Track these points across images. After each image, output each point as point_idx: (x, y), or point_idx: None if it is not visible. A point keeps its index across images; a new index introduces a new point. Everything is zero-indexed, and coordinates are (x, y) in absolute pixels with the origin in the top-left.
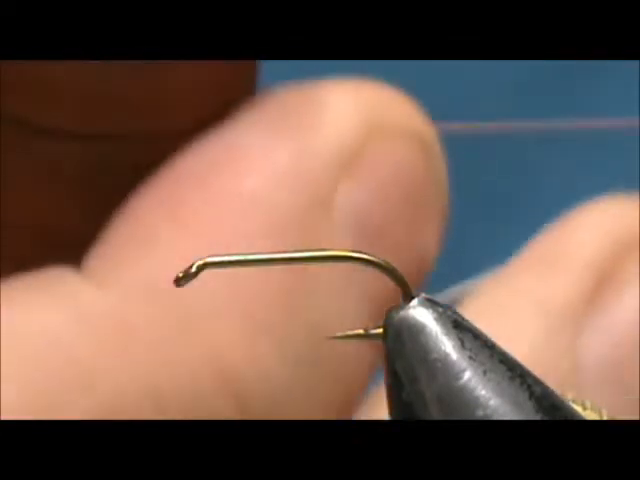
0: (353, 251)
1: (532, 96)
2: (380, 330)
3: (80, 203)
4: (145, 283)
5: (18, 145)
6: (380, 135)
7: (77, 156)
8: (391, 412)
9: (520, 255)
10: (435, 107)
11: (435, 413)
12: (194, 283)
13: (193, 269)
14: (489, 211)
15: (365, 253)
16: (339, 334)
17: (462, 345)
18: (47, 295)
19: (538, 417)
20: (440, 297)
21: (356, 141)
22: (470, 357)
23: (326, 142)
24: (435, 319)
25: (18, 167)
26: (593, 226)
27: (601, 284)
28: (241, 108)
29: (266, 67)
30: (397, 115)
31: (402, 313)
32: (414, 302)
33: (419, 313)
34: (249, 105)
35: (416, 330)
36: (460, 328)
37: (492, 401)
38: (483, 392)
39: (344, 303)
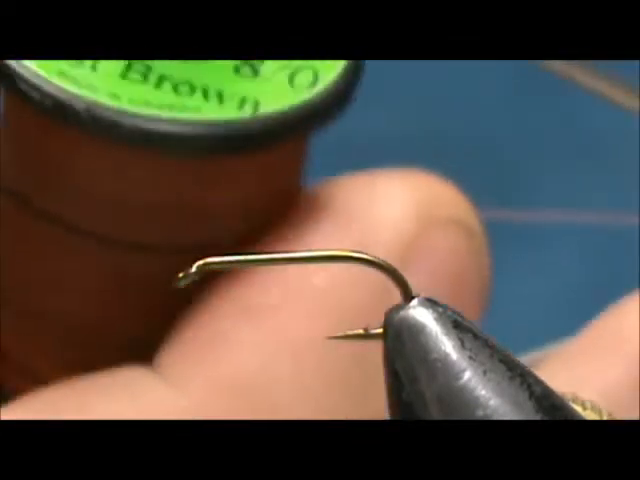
0: (353, 251)
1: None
2: (380, 330)
3: (145, 307)
4: (223, 381)
5: (83, 252)
6: (432, 225)
7: (142, 264)
8: (391, 412)
9: (578, 338)
10: None
11: (435, 413)
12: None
13: (193, 269)
14: None
15: (365, 253)
16: (339, 334)
17: (462, 345)
18: (126, 394)
19: (538, 417)
20: None
21: (412, 233)
22: (470, 357)
23: (385, 236)
24: (435, 319)
25: (84, 273)
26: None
27: None
28: (298, 204)
29: None
30: (446, 205)
31: (402, 313)
32: (414, 302)
33: (419, 313)
34: (306, 201)
35: (416, 330)
36: (460, 328)
37: (492, 401)
38: (483, 392)
39: None
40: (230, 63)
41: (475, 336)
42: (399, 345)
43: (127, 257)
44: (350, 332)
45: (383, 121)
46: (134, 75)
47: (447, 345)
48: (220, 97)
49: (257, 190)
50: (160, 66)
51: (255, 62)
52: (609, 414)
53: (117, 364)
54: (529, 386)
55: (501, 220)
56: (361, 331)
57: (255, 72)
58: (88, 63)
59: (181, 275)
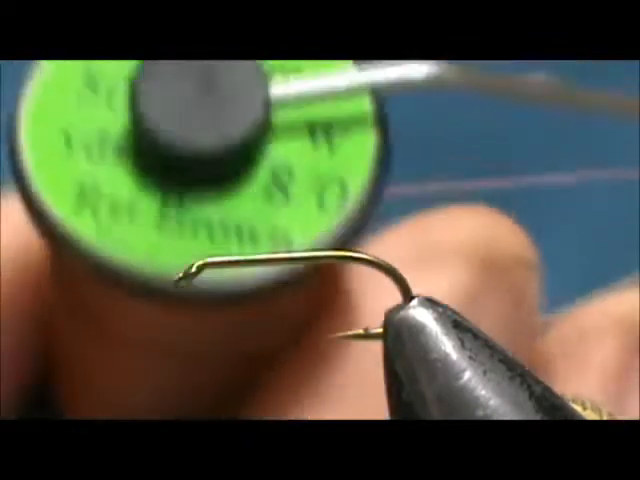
0: (353, 251)
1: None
2: (380, 330)
3: (215, 395)
4: None
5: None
6: (492, 265)
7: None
8: (391, 412)
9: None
10: None
11: (435, 413)
12: None
13: (193, 269)
14: None
15: (365, 253)
16: (339, 334)
17: (462, 345)
18: None
19: (538, 417)
20: None
21: (470, 278)
22: (470, 357)
23: (449, 284)
24: (435, 319)
25: (152, 376)
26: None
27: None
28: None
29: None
30: (506, 242)
31: (402, 313)
32: (414, 302)
33: (419, 313)
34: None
35: (416, 330)
36: (460, 328)
37: (492, 401)
38: (483, 392)
39: None
40: (260, 189)
41: (475, 336)
42: (399, 345)
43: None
44: (350, 332)
45: None
46: (169, 224)
47: (447, 345)
48: (253, 237)
49: (301, 313)
50: (194, 207)
51: (284, 181)
52: (609, 414)
53: None
54: (529, 386)
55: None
56: (361, 331)
57: (285, 195)
58: (124, 212)
59: (181, 275)
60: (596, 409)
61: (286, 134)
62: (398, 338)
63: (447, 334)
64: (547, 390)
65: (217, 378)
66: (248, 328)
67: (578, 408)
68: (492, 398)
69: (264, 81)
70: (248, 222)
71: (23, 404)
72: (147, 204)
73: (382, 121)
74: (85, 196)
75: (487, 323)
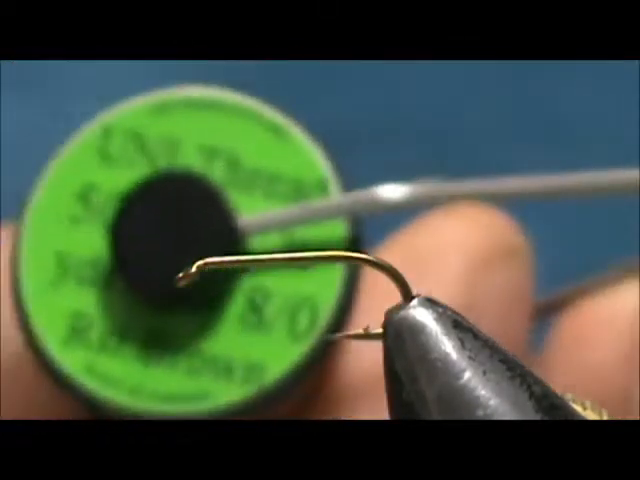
0: (353, 251)
1: None
2: (380, 330)
3: None
4: None
5: None
6: (485, 264)
7: None
8: (391, 412)
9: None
10: None
11: (435, 413)
12: None
13: (193, 269)
14: None
15: (365, 253)
16: (339, 334)
17: (462, 345)
18: None
19: (538, 417)
20: None
21: (465, 282)
22: (470, 357)
23: (438, 295)
24: (435, 319)
25: None
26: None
27: None
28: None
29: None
30: (497, 238)
31: (402, 313)
32: (414, 302)
33: (419, 313)
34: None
35: (416, 330)
36: (460, 328)
37: (492, 401)
38: (483, 392)
39: None
40: (237, 316)
41: (475, 336)
42: (399, 345)
43: None
44: (350, 332)
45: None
46: (151, 357)
47: (447, 345)
48: (228, 369)
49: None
50: (174, 340)
51: (259, 306)
52: (609, 414)
53: None
54: (529, 386)
55: None
56: (361, 331)
57: (260, 321)
58: (111, 345)
59: (181, 275)
60: (596, 409)
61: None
62: (398, 338)
63: (447, 334)
64: (547, 390)
65: None
66: None
67: (578, 408)
68: (492, 398)
69: (231, 212)
70: (224, 352)
71: None
72: (132, 337)
73: (355, 244)
74: (76, 328)
75: (486, 321)
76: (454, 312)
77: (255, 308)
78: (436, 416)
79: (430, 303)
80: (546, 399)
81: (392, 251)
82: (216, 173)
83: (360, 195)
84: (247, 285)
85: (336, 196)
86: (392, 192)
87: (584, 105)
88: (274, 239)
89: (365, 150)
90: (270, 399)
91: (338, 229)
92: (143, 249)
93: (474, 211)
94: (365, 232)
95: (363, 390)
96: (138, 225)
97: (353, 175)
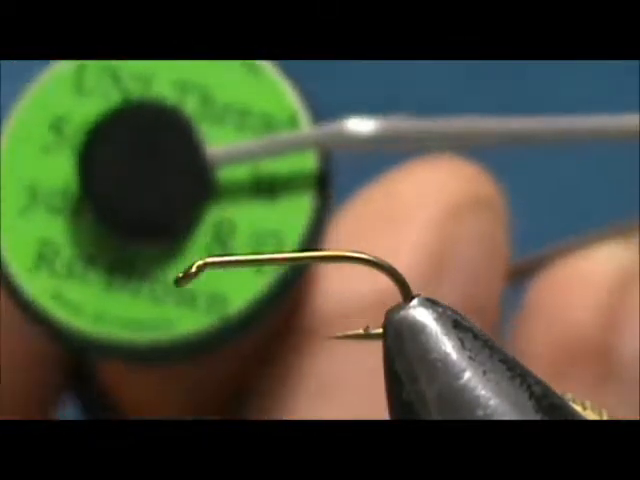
0: (353, 251)
1: None
2: (380, 330)
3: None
4: None
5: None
6: (456, 213)
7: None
8: (391, 412)
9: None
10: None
11: (435, 413)
12: None
13: (193, 269)
14: None
15: (365, 253)
16: (339, 334)
17: (462, 345)
18: None
19: (538, 417)
20: None
21: (436, 230)
22: (470, 357)
23: (409, 242)
24: (435, 319)
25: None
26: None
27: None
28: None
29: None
30: (468, 188)
31: (402, 313)
32: (414, 302)
33: (419, 313)
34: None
35: (416, 330)
36: (460, 328)
37: (492, 401)
38: (483, 392)
39: None
40: (202, 247)
41: (475, 336)
42: (399, 345)
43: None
44: (350, 332)
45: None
46: (116, 284)
47: (447, 345)
48: (192, 298)
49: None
50: (139, 267)
51: (225, 238)
52: (609, 414)
53: None
54: (529, 386)
55: None
56: (361, 331)
57: (224, 250)
58: (77, 274)
59: (181, 275)
60: (596, 409)
61: (230, 191)
62: (398, 338)
63: (447, 334)
64: (547, 390)
65: (211, 388)
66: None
67: (578, 408)
68: (492, 398)
69: (201, 143)
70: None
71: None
72: (97, 265)
73: (324, 178)
74: (43, 255)
75: (459, 274)
76: (454, 312)
77: (220, 240)
78: (436, 416)
79: (430, 303)
80: (546, 399)
81: (367, 201)
82: (189, 106)
83: (328, 128)
84: (213, 217)
85: (304, 128)
86: (360, 125)
87: (584, 105)
88: (242, 171)
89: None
90: (233, 330)
91: (307, 162)
92: (112, 178)
93: (448, 162)
94: (340, 175)
95: (334, 322)
96: (107, 154)
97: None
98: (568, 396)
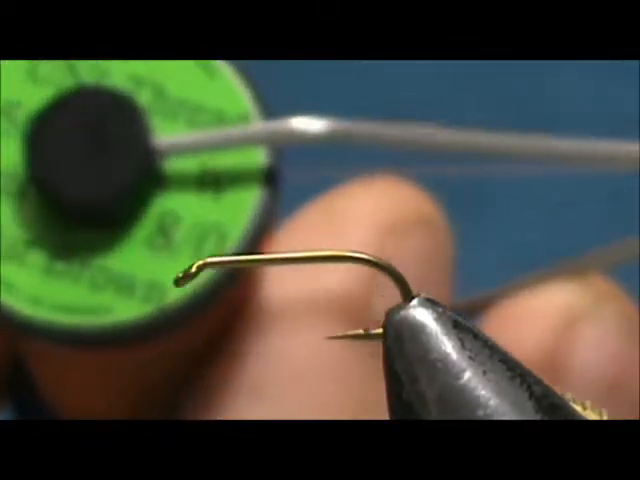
0: (354, 251)
1: None
2: (380, 330)
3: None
4: None
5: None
6: (396, 231)
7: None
8: (391, 412)
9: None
10: None
11: (435, 413)
12: None
13: (193, 269)
14: None
15: (365, 253)
16: (339, 334)
17: (462, 345)
18: None
19: (538, 417)
20: None
21: (376, 246)
22: (470, 357)
23: (357, 246)
24: (435, 319)
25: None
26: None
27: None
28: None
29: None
30: (409, 206)
31: (402, 313)
32: (414, 302)
33: (419, 313)
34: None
35: (416, 330)
36: (460, 328)
37: (492, 401)
38: (483, 392)
39: None
40: (144, 237)
41: (475, 336)
42: (399, 345)
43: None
44: (350, 332)
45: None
46: (55, 268)
47: (447, 345)
48: (131, 286)
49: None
50: (80, 253)
51: (169, 230)
52: (609, 414)
53: None
54: (529, 386)
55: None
56: (361, 331)
57: (168, 245)
58: (18, 256)
59: (181, 275)
60: (596, 409)
61: (176, 183)
62: (398, 338)
63: (447, 334)
64: (547, 390)
65: (150, 382)
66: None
67: (578, 408)
68: (492, 398)
69: (146, 125)
70: (128, 270)
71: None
72: (39, 248)
73: (272, 175)
74: None
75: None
76: (454, 312)
77: (163, 230)
78: (436, 416)
79: (430, 303)
80: (546, 399)
81: (307, 217)
82: (142, 99)
83: (277, 124)
84: (158, 208)
85: (253, 124)
86: (309, 124)
87: (584, 104)
88: (190, 164)
89: None
90: (170, 321)
91: (256, 159)
92: (57, 161)
93: (389, 182)
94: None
95: (285, 312)
96: (54, 137)
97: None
98: (568, 396)
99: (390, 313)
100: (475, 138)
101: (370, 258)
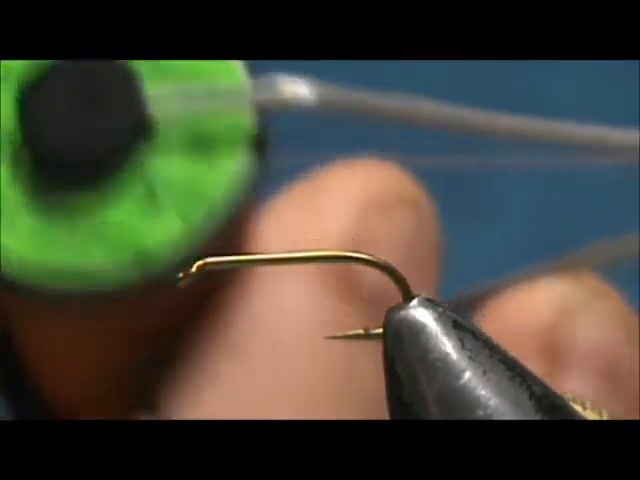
0: (354, 251)
1: None
2: (380, 330)
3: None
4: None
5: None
6: (380, 208)
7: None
8: (391, 412)
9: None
10: None
11: (435, 413)
12: None
13: (193, 269)
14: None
15: (365, 253)
16: (339, 334)
17: (462, 345)
18: None
19: (538, 417)
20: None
21: (360, 221)
22: (470, 357)
23: (334, 231)
24: (435, 319)
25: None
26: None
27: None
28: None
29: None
30: (392, 187)
31: (402, 313)
32: (414, 302)
33: (419, 313)
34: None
35: (416, 330)
36: (460, 328)
37: (492, 401)
38: (483, 392)
39: None
40: (133, 200)
41: (475, 336)
42: (399, 345)
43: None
44: (350, 332)
45: None
46: (45, 228)
47: (447, 345)
48: (118, 248)
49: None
50: (70, 214)
51: (157, 194)
52: (609, 414)
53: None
54: (529, 386)
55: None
56: (361, 331)
57: (155, 208)
58: (7, 219)
59: (181, 275)
60: (596, 409)
61: (166, 148)
62: (398, 338)
63: (447, 334)
64: (547, 390)
65: (128, 354)
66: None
67: (578, 408)
68: (492, 398)
69: (140, 89)
70: (116, 232)
71: None
72: (28, 211)
73: (260, 140)
74: None
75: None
76: (454, 312)
77: (151, 192)
78: (436, 416)
79: (430, 303)
80: (546, 399)
81: (294, 195)
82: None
83: (264, 82)
84: (146, 170)
85: (242, 83)
86: (297, 87)
87: (584, 105)
88: (179, 128)
89: None
90: (157, 284)
91: (244, 123)
92: (51, 118)
93: (374, 163)
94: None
95: (267, 274)
96: (49, 98)
97: None
98: (568, 396)
99: (390, 313)
100: (468, 115)
101: (370, 258)
